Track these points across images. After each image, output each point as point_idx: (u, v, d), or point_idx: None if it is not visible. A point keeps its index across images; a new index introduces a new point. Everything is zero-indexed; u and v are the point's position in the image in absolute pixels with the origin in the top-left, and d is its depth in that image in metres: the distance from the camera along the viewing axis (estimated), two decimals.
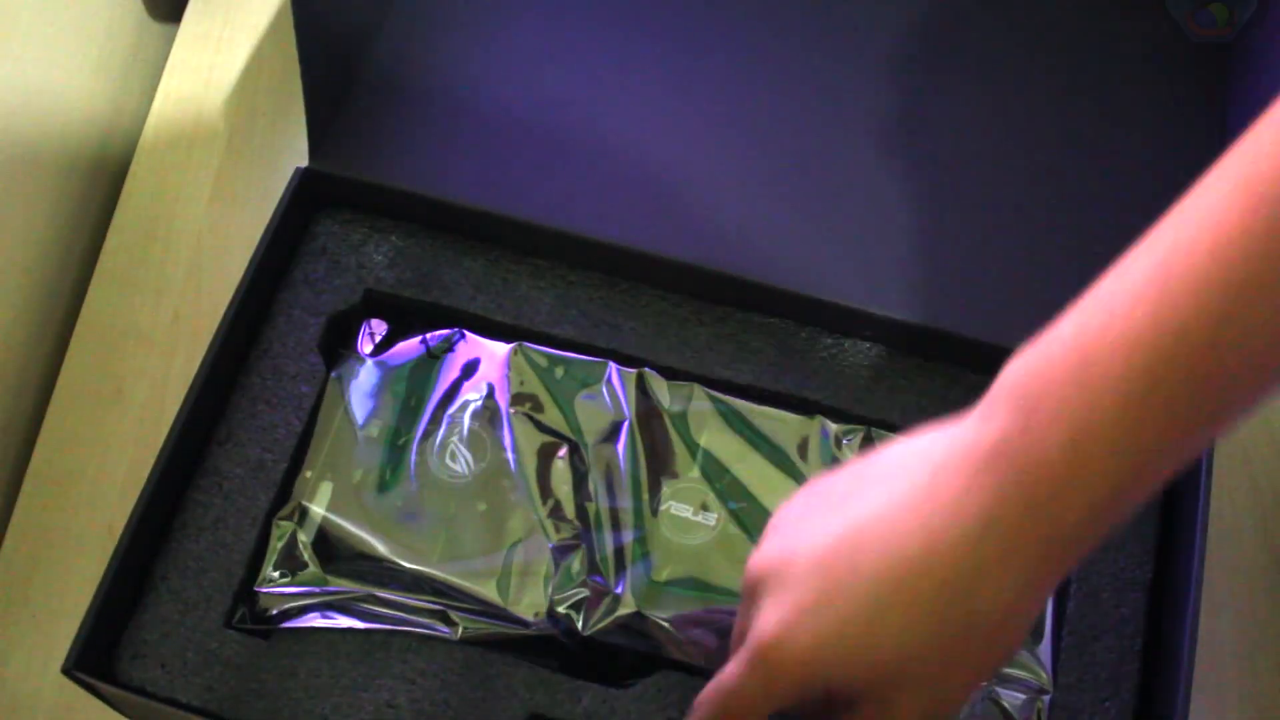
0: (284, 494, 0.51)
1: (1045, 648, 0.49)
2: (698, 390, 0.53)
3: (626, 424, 0.52)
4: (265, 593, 0.49)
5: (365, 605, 0.49)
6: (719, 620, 0.48)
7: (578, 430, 0.52)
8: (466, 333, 0.54)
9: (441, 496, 0.51)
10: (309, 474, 0.51)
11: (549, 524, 0.50)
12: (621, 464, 0.51)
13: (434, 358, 0.54)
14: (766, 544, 0.39)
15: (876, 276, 0.54)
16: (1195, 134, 0.60)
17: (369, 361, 0.54)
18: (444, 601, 0.49)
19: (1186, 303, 0.30)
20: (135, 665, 0.48)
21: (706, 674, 0.48)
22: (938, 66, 0.62)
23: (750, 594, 0.38)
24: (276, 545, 0.50)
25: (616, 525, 0.50)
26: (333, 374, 0.53)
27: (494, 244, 0.56)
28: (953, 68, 0.62)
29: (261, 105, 0.66)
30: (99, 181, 0.66)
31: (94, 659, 0.46)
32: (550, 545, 0.49)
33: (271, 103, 0.66)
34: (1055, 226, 0.57)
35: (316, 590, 0.49)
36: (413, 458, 0.51)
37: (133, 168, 0.65)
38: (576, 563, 0.49)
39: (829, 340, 0.55)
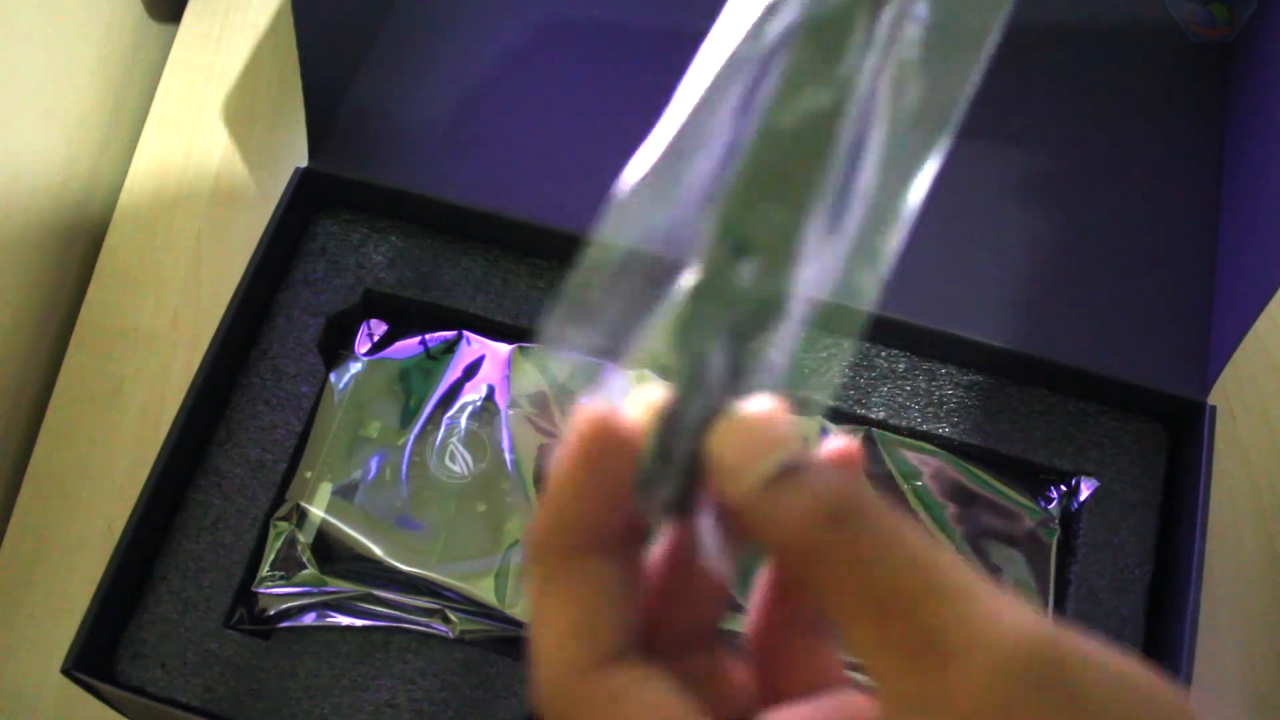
0: (283, 494, 0.51)
1: None
2: None
3: None
4: (263, 593, 0.49)
5: (363, 605, 0.49)
6: None
7: None
8: (468, 334, 0.54)
9: (440, 497, 0.51)
10: (308, 474, 0.51)
11: None
12: None
13: (433, 359, 0.54)
14: None
15: None
16: (1195, 134, 0.60)
17: (368, 361, 0.53)
18: (441, 602, 0.49)
19: None
20: (135, 665, 0.48)
21: None
22: None
23: None
24: (274, 546, 0.49)
25: None
26: (332, 374, 0.53)
27: (494, 244, 0.56)
28: None
29: (261, 105, 0.66)
30: (99, 180, 0.66)
31: (94, 659, 0.46)
32: None
33: (271, 103, 0.66)
34: (1053, 226, 0.57)
35: (315, 590, 0.49)
36: (412, 458, 0.51)
37: (132, 166, 0.65)
38: None
39: (828, 340, 0.54)
